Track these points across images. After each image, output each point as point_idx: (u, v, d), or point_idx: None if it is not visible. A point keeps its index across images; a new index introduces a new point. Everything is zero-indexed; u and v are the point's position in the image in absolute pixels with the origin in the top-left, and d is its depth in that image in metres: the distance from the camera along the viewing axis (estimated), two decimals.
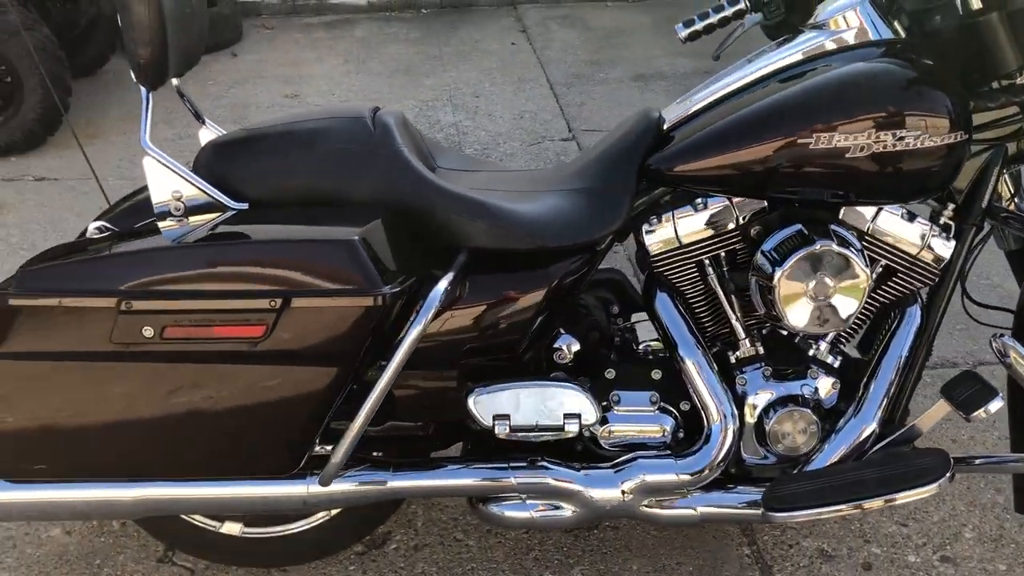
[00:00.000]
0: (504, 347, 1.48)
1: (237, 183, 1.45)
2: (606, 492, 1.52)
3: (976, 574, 1.76)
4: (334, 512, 1.67)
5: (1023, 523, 1.85)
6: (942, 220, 1.55)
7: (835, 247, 1.43)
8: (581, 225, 1.50)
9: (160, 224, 1.42)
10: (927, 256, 1.52)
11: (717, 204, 1.52)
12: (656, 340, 1.63)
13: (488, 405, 1.48)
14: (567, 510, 1.54)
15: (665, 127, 1.55)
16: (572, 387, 1.50)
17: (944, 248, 1.53)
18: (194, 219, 1.43)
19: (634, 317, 1.72)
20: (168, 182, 1.43)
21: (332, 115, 1.52)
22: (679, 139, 1.51)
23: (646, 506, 1.54)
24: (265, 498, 1.45)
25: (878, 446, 1.56)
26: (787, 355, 1.59)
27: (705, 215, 1.52)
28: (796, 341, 1.59)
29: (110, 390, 1.32)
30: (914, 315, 1.57)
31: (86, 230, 1.54)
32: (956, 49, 1.48)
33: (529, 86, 4.32)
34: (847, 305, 1.45)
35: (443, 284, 1.36)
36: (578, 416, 1.49)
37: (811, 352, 1.58)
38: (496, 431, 1.48)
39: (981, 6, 1.43)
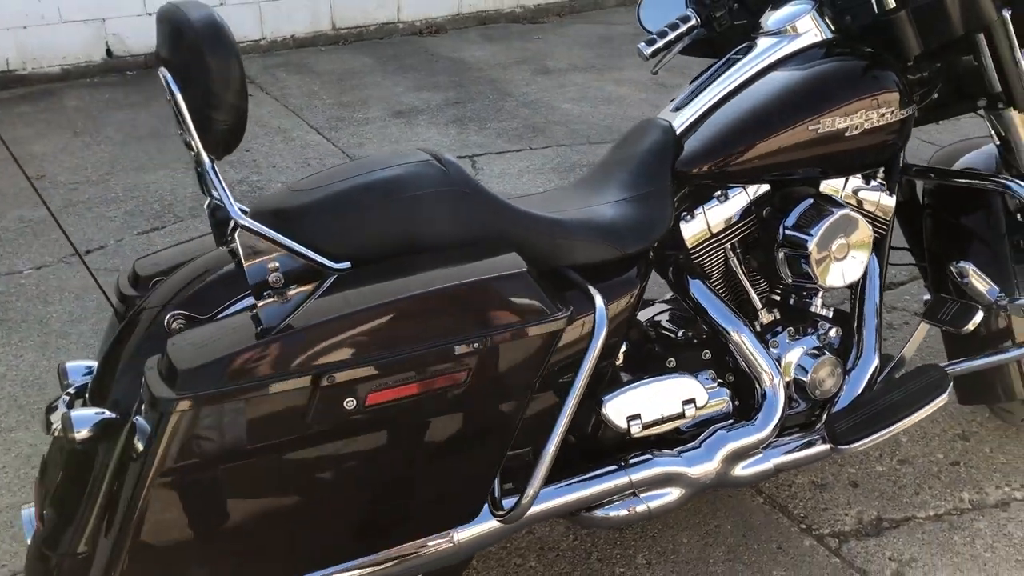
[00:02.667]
0: (612, 351, 1.56)
1: (324, 245, 1.38)
2: (704, 467, 1.65)
3: (926, 466, 2.14)
4: None
5: (951, 420, 2.26)
6: (878, 180, 1.89)
7: (851, 212, 1.70)
8: (647, 229, 1.63)
9: (261, 301, 1.32)
10: (882, 211, 1.84)
11: (735, 194, 1.73)
12: (682, 327, 1.79)
13: (620, 408, 1.56)
14: (674, 493, 1.65)
15: (678, 133, 1.72)
16: (683, 376, 1.62)
17: (889, 202, 1.87)
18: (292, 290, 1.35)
19: (646, 312, 1.87)
20: (264, 254, 1.33)
21: (392, 163, 1.49)
22: (698, 142, 1.70)
23: (734, 472, 1.70)
24: (458, 546, 1.39)
25: (881, 376, 1.86)
26: (795, 316, 1.83)
27: (728, 205, 1.73)
28: (794, 303, 1.84)
29: (309, 475, 1.21)
30: (875, 262, 1.89)
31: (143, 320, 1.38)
32: (873, 42, 1.81)
33: (296, 134, 4.24)
34: (860, 258, 1.73)
35: (599, 302, 1.41)
36: (692, 401, 1.61)
37: (812, 309, 1.83)
38: (631, 431, 1.56)
39: (894, 5, 1.77)
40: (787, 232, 1.71)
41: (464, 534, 1.41)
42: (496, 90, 4.93)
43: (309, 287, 1.33)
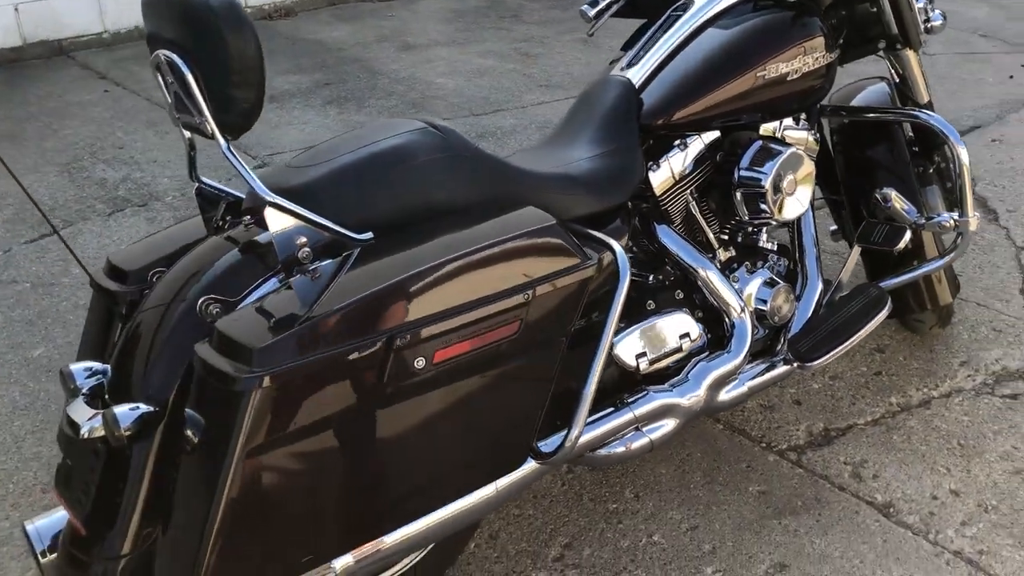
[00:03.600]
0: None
1: (344, 217, 1.39)
2: (694, 396, 1.77)
3: (854, 379, 2.36)
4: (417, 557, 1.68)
5: (866, 336, 2.49)
6: (802, 121, 2.06)
7: (798, 150, 1.85)
8: (627, 180, 1.73)
9: (296, 277, 1.33)
10: (810, 149, 2.03)
11: (693, 142, 1.85)
12: (651, 272, 1.91)
13: (630, 348, 1.65)
14: (670, 424, 1.76)
15: (637, 88, 1.82)
16: (677, 312, 1.73)
17: (814, 140, 2.05)
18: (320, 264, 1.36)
19: None
20: (292, 230, 1.34)
21: (391, 133, 1.51)
22: (658, 96, 1.80)
23: (718, 398, 1.83)
24: (499, 492, 1.44)
25: (825, 298, 2.05)
26: (747, 252, 1.98)
27: (688, 153, 1.85)
28: (744, 241, 1.99)
29: (385, 436, 1.23)
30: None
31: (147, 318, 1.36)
32: None
33: (168, 127, 4.07)
34: (806, 192, 1.89)
35: (618, 247, 1.49)
36: (688, 335, 1.73)
37: (760, 244, 1.99)
38: (640, 368, 1.65)
39: None
40: (743, 173, 1.85)
41: (505, 480, 1.47)
42: (364, 69, 4.90)
43: (333, 260, 1.35)
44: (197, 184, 1.57)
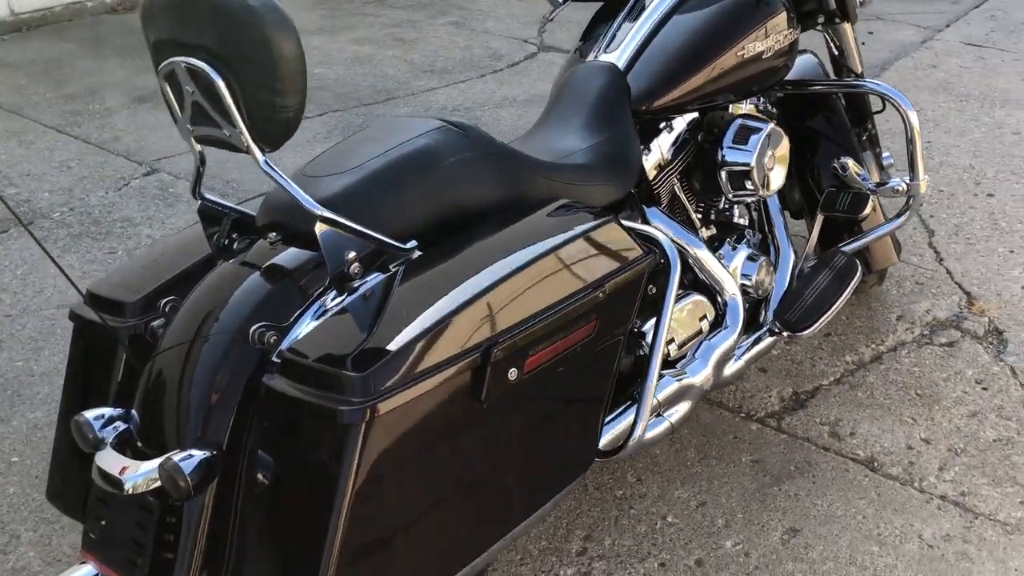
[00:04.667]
0: None
1: (385, 226, 1.31)
2: (704, 375, 1.79)
3: (808, 342, 2.46)
4: None
5: None
6: (761, 99, 2.12)
7: (777, 127, 1.90)
8: (633, 166, 1.71)
9: (352, 297, 1.24)
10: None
11: (678, 124, 1.87)
12: None
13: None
14: (685, 405, 1.77)
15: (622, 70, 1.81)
16: (695, 295, 1.73)
17: (771, 114, 2.11)
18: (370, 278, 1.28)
19: None
20: (340, 245, 1.25)
21: (413, 134, 1.43)
22: (646, 80, 1.80)
23: (723, 374, 1.86)
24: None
25: (796, 269, 2.11)
26: (727, 229, 2.02)
27: (675, 136, 1.86)
28: (719, 219, 2.03)
29: (484, 451, 1.18)
30: None
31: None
32: None
33: (31, 136, 3.72)
34: (784, 166, 1.94)
35: (663, 238, 1.47)
36: (705, 316, 1.74)
37: (736, 221, 2.03)
38: (670, 354, 1.65)
39: None
40: (727, 153, 1.87)
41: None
42: None
43: (382, 274, 1.28)
44: (200, 202, 1.44)
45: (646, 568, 1.79)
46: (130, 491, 1.20)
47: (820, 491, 1.98)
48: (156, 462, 1.18)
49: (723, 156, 1.88)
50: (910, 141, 2.11)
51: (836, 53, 2.29)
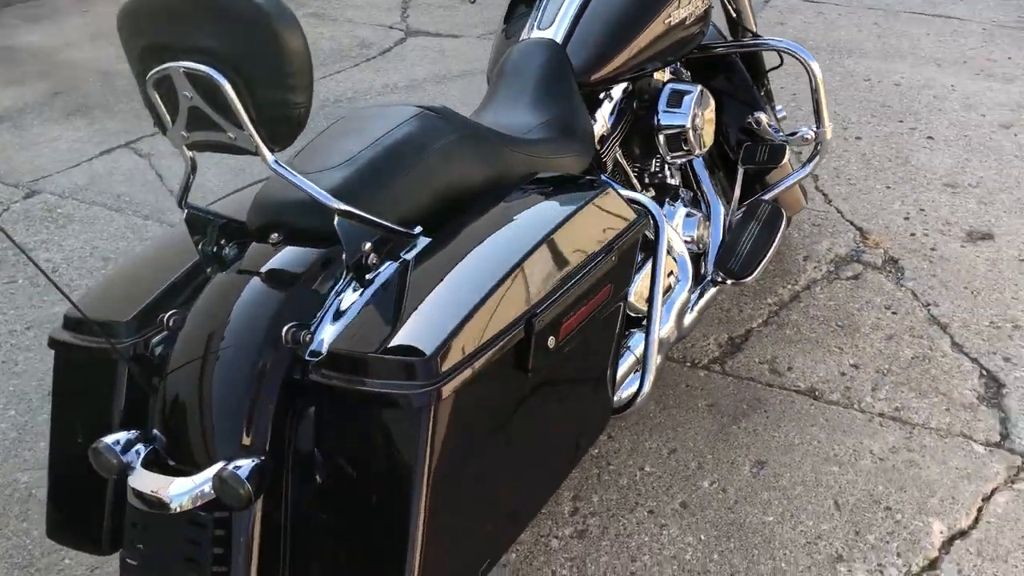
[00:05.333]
0: None
1: (385, 215, 1.33)
2: (669, 328, 1.86)
3: (732, 289, 2.61)
4: None
5: None
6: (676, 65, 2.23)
7: (701, 87, 2.00)
8: (591, 138, 1.78)
9: (366, 285, 1.26)
10: None
11: (616, 94, 1.94)
12: None
13: (641, 293, 1.71)
14: (658, 359, 1.85)
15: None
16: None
17: (685, 77, 2.23)
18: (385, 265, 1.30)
19: None
20: (357, 236, 1.26)
21: (394, 121, 1.44)
22: (585, 52, 1.86)
23: (683, 326, 1.96)
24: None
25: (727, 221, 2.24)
26: (663, 190, 2.12)
27: (615, 105, 1.94)
28: (653, 180, 2.13)
29: (532, 420, 1.21)
30: None
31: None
32: None
33: None
34: (713, 124, 2.06)
35: (648, 201, 1.54)
36: (672, 272, 1.82)
37: (670, 181, 2.14)
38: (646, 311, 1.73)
39: None
40: (663, 117, 1.97)
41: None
42: (92, 71, 4.42)
43: (396, 261, 1.30)
44: (187, 211, 1.40)
45: (637, 517, 1.88)
46: (176, 509, 1.17)
47: (774, 424, 2.12)
48: (204, 475, 1.16)
49: (659, 120, 1.97)
50: (815, 91, 2.27)
51: (733, 15, 2.42)
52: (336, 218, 1.23)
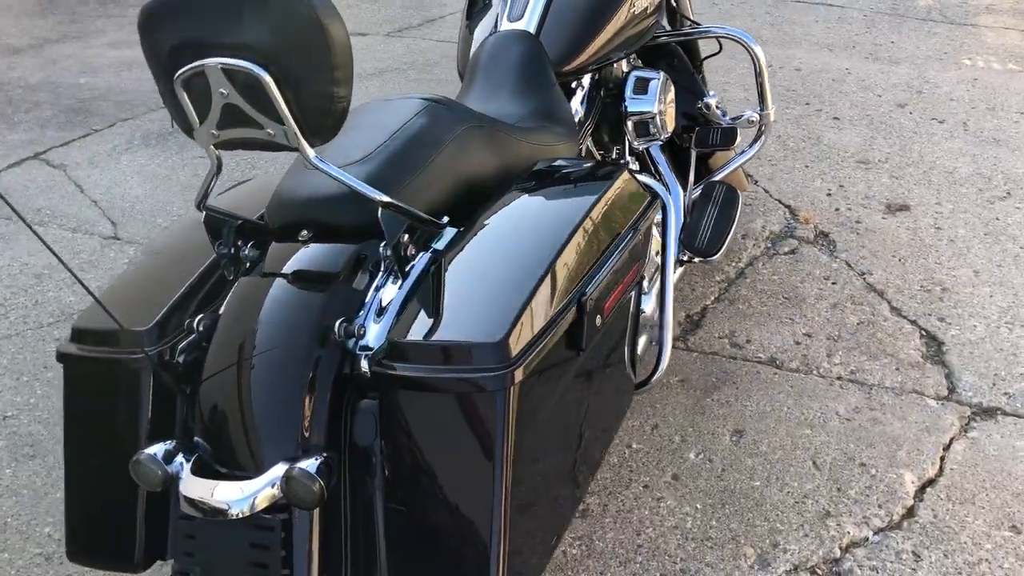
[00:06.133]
0: None
1: (422, 206, 1.34)
2: (652, 302, 1.93)
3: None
4: None
5: None
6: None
7: (662, 73, 2.07)
8: (573, 125, 1.81)
9: (405, 276, 1.27)
10: None
11: (586, 83, 1.99)
12: None
13: None
14: (647, 334, 1.91)
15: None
16: None
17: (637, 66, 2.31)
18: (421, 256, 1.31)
19: None
20: (398, 229, 1.27)
21: (407, 113, 1.44)
22: (558, 43, 1.90)
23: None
24: None
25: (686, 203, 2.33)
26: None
27: (587, 94, 1.98)
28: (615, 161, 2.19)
29: (586, 395, 1.24)
30: None
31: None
32: None
33: None
34: (674, 109, 2.13)
35: (654, 182, 1.58)
36: (656, 251, 1.88)
37: (630, 166, 2.20)
38: None
39: None
40: (631, 104, 2.03)
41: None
42: None
43: (430, 250, 1.31)
44: (205, 213, 1.37)
45: (633, 492, 1.94)
46: (238, 514, 1.15)
47: (745, 394, 2.22)
48: (266, 477, 1.14)
49: (627, 107, 2.03)
50: (758, 74, 2.38)
51: (674, 4, 2.51)
52: (380, 211, 1.23)
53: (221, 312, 1.30)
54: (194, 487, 1.18)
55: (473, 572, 1.12)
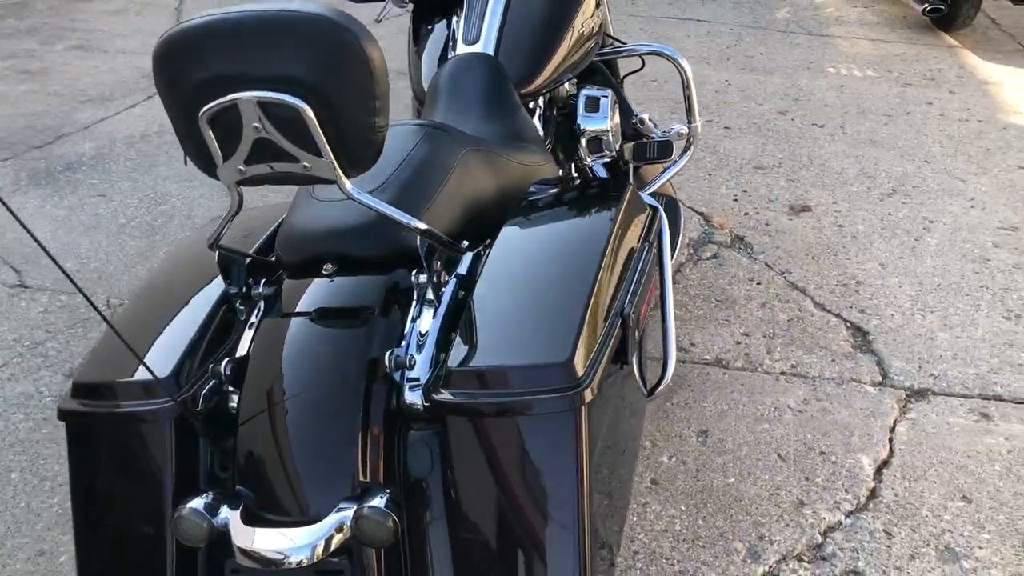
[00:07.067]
0: None
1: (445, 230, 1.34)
2: None
3: None
4: None
5: None
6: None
7: (611, 91, 2.13)
8: (543, 144, 1.84)
9: (438, 302, 1.27)
10: None
11: (542, 103, 2.02)
12: None
13: None
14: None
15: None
16: None
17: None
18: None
19: None
20: (432, 254, 1.26)
21: (412, 140, 1.43)
22: (517, 65, 1.92)
23: None
24: None
25: None
26: None
27: (540, 113, 2.02)
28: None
29: (624, 404, 1.26)
30: None
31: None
32: None
33: None
34: (618, 125, 2.19)
35: (645, 195, 1.63)
36: None
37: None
38: None
39: None
40: (584, 122, 2.08)
41: None
42: None
43: (455, 275, 1.32)
44: (219, 252, 1.31)
45: None
46: (301, 562, 1.11)
47: (701, 396, 2.30)
48: (331, 520, 1.11)
49: (580, 125, 2.08)
50: (686, 87, 2.48)
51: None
52: (418, 239, 1.22)
53: (249, 353, 1.26)
54: (250, 537, 1.13)
55: None
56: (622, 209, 1.40)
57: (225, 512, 1.16)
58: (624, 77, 2.74)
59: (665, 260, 1.65)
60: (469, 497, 1.15)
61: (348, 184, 1.17)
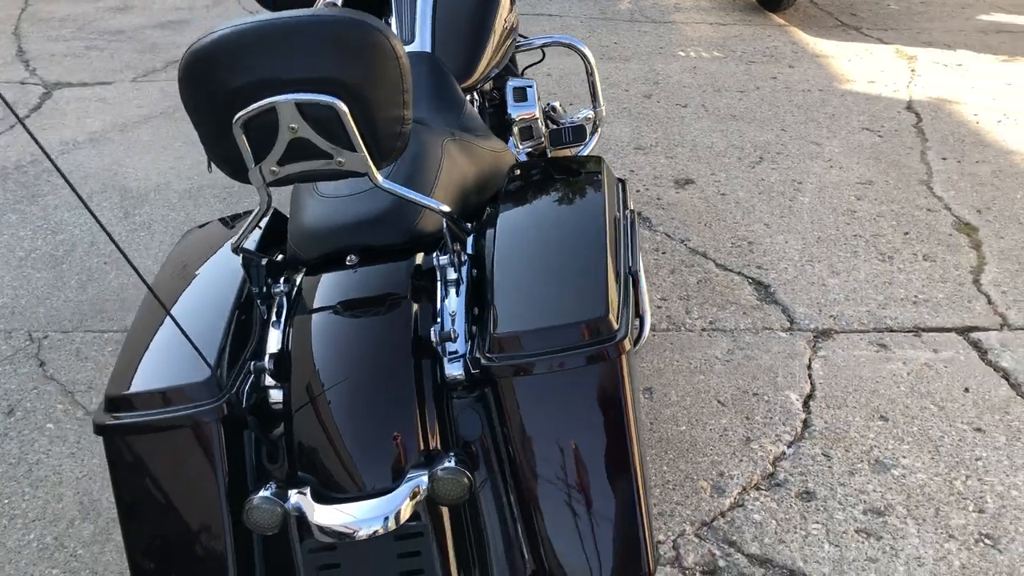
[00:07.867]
0: None
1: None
2: None
3: None
4: None
5: None
6: None
7: (532, 80, 2.27)
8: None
9: (461, 279, 1.37)
10: None
11: (475, 97, 2.13)
12: None
13: None
14: None
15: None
16: None
17: None
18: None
19: None
20: (454, 237, 1.36)
21: (420, 139, 1.53)
22: (455, 61, 2.02)
23: None
24: None
25: None
26: None
27: (476, 106, 2.13)
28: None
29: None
30: None
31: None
32: None
33: None
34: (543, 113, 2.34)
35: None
36: None
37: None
38: None
39: None
40: (515, 112, 2.20)
41: None
42: None
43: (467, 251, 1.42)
44: (243, 254, 1.35)
45: None
46: (381, 531, 1.19)
47: (638, 358, 2.48)
48: (404, 488, 1.19)
49: (511, 115, 2.20)
50: (590, 75, 2.64)
51: None
52: (445, 224, 1.32)
53: (288, 347, 1.31)
54: (328, 515, 1.20)
55: (626, 530, 1.24)
56: (605, 180, 1.54)
57: (295, 497, 1.22)
58: (525, 69, 2.88)
59: (635, 224, 1.81)
60: (530, 451, 1.25)
61: (379, 176, 1.25)
